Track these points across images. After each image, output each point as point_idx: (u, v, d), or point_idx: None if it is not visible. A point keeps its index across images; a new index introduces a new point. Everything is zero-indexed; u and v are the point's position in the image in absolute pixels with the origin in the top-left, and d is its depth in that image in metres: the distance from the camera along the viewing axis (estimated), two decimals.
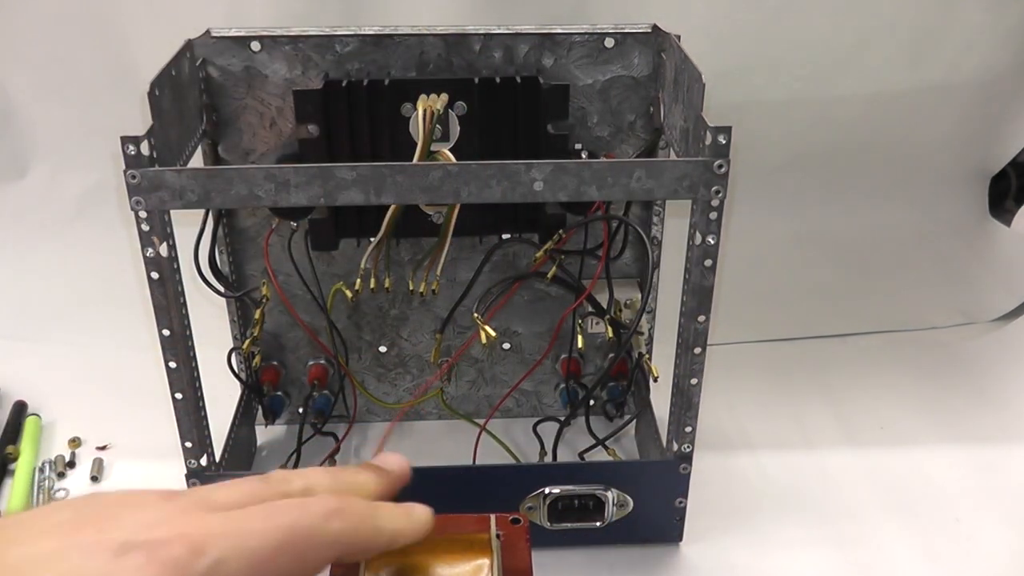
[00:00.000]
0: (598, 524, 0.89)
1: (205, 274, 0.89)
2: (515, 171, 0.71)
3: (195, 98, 0.86)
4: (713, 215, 0.73)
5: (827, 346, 1.26)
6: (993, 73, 1.27)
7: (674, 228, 0.98)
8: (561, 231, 0.92)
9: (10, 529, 0.43)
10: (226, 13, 1.15)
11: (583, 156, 0.93)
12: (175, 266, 0.76)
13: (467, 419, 1.07)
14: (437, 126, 0.84)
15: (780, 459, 1.04)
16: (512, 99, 0.87)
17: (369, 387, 1.07)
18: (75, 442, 1.06)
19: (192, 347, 0.81)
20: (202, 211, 0.90)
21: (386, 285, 0.99)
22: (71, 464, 1.03)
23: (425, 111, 0.83)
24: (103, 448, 1.06)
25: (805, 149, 1.31)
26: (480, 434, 1.02)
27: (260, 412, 1.04)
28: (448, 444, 1.06)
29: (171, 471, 0.95)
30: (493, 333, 0.87)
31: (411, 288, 1.00)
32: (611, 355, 1.05)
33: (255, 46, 0.88)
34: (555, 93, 0.88)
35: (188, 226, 0.86)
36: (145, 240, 0.73)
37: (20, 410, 1.10)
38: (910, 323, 1.30)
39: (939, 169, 1.37)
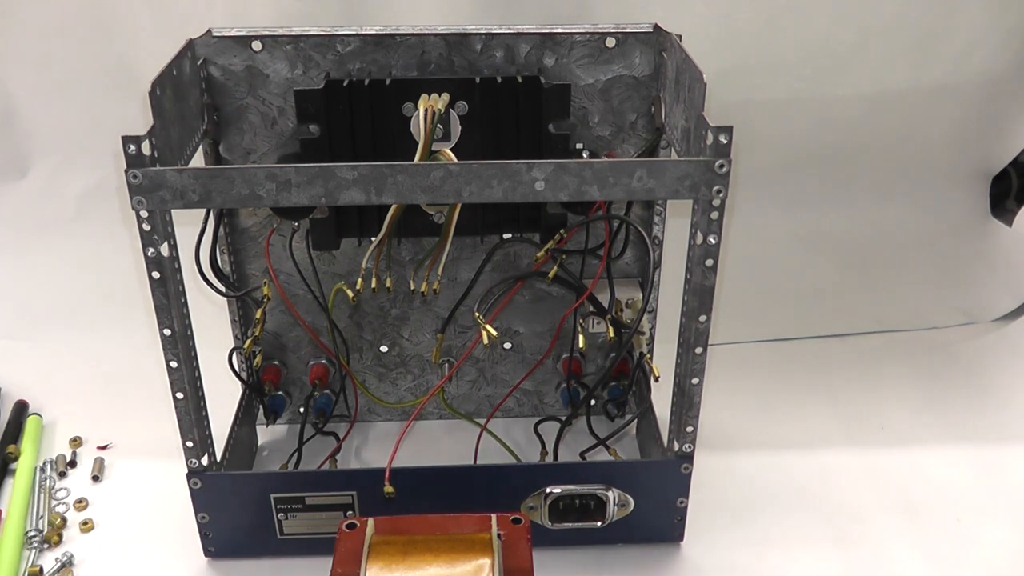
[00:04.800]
0: (599, 524, 0.89)
1: (206, 274, 0.89)
2: (516, 171, 0.71)
3: (196, 98, 0.86)
4: (714, 215, 0.73)
5: (828, 346, 1.26)
6: (994, 73, 1.27)
7: (675, 228, 0.98)
8: (562, 231, 0.92)
9: None
10: (227, 13, 1.15)
11: (584, 156, 0.93)
12: (176, 266, 0.76)
13: (468, 419, 1.07)
14: (438, 126, 0.84)
15: (781, 459, 1.04)
16: (513, 99, 0.87)
17: (370, 387, 1.07)
18: (76, 442, 1.06)
19: (193, 347, 0.81)
20: (203, 211, 0.90)
21: (387, 285, 0.99)
22: (72, 464, 1.03)
23: (426, 111, 0.83)
24: (104, 448, 1.06)
25: (806, 149, 1.31)
26: (481, 434, 1.02)
27: (261, 412, 1.04)
28: (449, 444, 1.06)
29: (172, 470, 0.95)
30: (494, 333, 0.87)
31: (412, 288, 1.00)
32: (612, 355, 1.06)
33: (256, 46, 0.88)
34: (556, 93, 0.88)
35: (189, 226, 0.86)
36: (146, 240, 0.73)
37: (21, 410, 1.10)
38: (911, 323, 1.30)
39: (940, 169, 1.37)
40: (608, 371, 1.03)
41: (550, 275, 0.94)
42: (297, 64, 0.89)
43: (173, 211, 0.74)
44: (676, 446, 0.86)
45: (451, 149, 0.84)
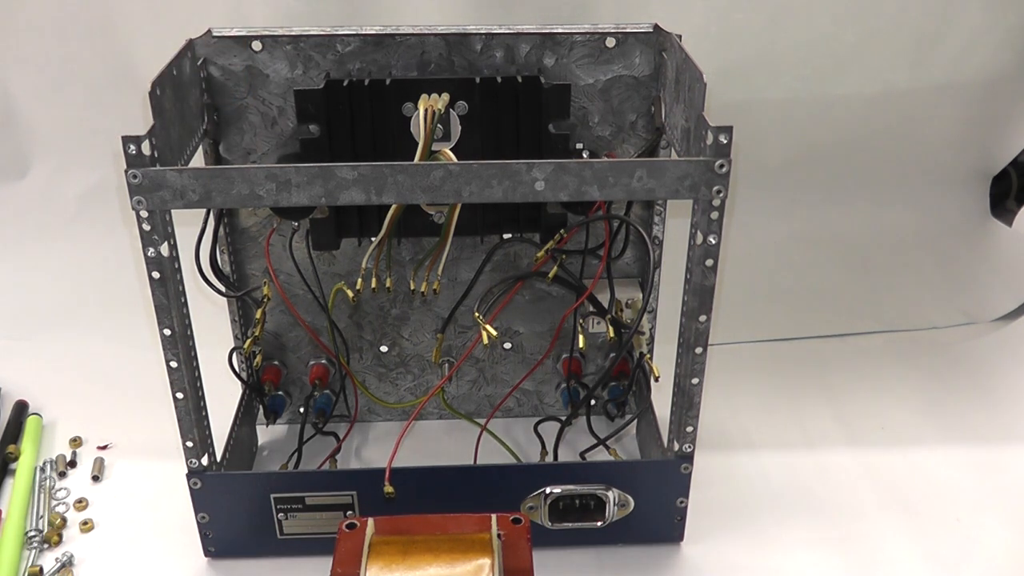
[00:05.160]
0: (599, 524, 0.89)
1: (206, 274, 0.89)
2: (516, 171, 0.71)
3: (196, 98, 0.86)
4: (714, 215, 0.73)
5: (827, 346, 1.26)
6: (994, 73, 1.27)
7: (675, 228, 0.98)
8: (562, 231, 0.92)
9: None
10: (227, 13, 1.15)
11: (584, 156, 0.93)
12: (176, 266, 0.76)
13: (468, 419, 1.07)
14: (438, 126, 0.84)
15: (781, 459, 1.04)
16: (513, 99, 0.87)
17: (370, 387, 1.07)
18: (76, 442, 1.06)
19: (193, 347, 0.81)
20: (203, 211, 0.90)
21: (387, 285, 0.99)
22: (72, 464, 1.03)
23: (426, 111, 0.83)
24: (104, 448, 1.06)
25: (806, 149, 1.31)
26: (481, 434, 1.02)
27: (261, 412, 1.04)
28: (449, 444, 1.06)
29: (172, 470, 0.95)
30: (494, 333, 0.87)
31: (412, 288, 1.00)
32: (612, 355, 1.06)
33: (256, 46, 0.88)
34: (556, 93, 0.88)
35: (189, 226, 0.86)
36: (146, 240, 0.73)
37: (21, 410, 1.10)
38: (910, 323, 1.30)
39: (940, 169, 1.37)
40: (608, 371, 1.03)
41: (550, 275, 0.94)
42: (297, 64, 0.89)
43: (173, 211, 0.74)
44: (676, 446, 0.86)
45: (451, 149, 0.84)
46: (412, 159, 0.82)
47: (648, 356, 1.00)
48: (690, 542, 0.92)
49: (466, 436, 1.04)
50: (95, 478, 1.01)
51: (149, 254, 0.73)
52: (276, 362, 1.04)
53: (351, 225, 0.93)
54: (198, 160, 0.85)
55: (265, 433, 1.07)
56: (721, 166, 0.71)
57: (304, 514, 0.88)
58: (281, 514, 0.88)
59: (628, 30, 0.89)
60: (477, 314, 0.89)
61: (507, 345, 1.06)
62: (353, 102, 0.86)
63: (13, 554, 0.89)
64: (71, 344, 1.24)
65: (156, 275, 0.74)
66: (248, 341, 0.96)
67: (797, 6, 1.19)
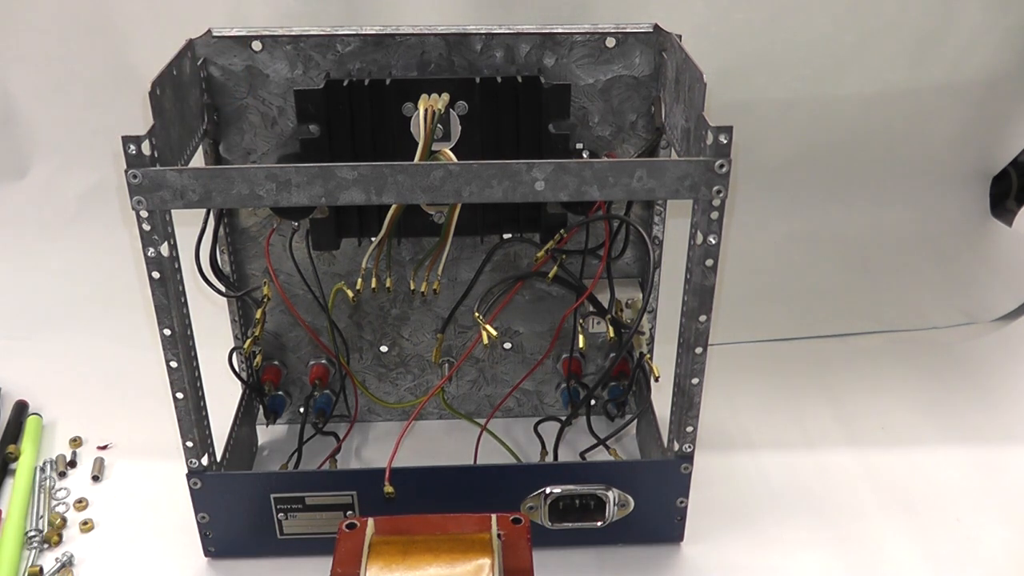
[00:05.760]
0: (599, 524, 0.89)
1: (206, 274, 0.89)
2: (516, 171, 0.71)
3: (196, 98, 0.86)
4: (714, 215, 0.73)
5: (827, 346, 1.26)
6: (994, 73, 1.27)
7: (675, 228, 0.98)
8: (562, 231, 0.92)
9: None
10: (227, 13, 1.15)
11: (584, 156, 0.93)
12: (176, 266, 0.76)
13: (468, 419, 1.07)
14: (438, 126, 0.84)
15: (781, 459, 1.04)
16: (513, 99, 0.87)
17: (370, 387, 1.07)
18: (76, 442, 1.06)
19: (193, 347, 0.81)
20: (203, 211, 0.90)
21: (387, 285, 0.99)
22: (72, 464, 1.03)
23: (426, 111, 0.83)
24: (104, 448, 1.06)
25: (806, 149, 1.31)
26: (481, 434, 1.02)
27: (261, 412, 1.04)
28: (449, 444, 1.06)
29: (172, 470, 0.95)
30: (494, 333, 0.87)
31: (412, 288, 1.00)
32: (612, 355, 1.06)
33: (256, 46, 0.88)
34: (556, 93, 0.88)
35: (189, 226, 0.86)
36: (146, 240, 0.73)
37: (21, 410, 1.10)
38: (910, 323, 1.30)
39: (940, 169, 1.37)
40: (608, 371, 1.03)
41: (550, 275, 0.94)
42: (297, 64, 0.89)
43: (173, 211, 0.74)
44: (676, 446, 0.86)
45: (451, 149, 0.83)
46: (412, 159, 0.82)
47: (648, 356, 1.00)
48: (690, 542, 0.92)
49: (466, 436, 1.04)
50: (95, 478, 1.01)
51: (149, 254, 0.73)
52: (276, 362, 1.04)
53: (351, 225, 0.93)
54: (198, 160, 0.85)
55: (265, 433, 1.07)
56: (721, 166, 0.71)
57: (304, 514, 0.88)
58: (281, 514, 0.88)
59: (628, 30, 0.89)
60: (477, 314, 0.89)
61: (507, 345, 1.06)
62: (353, 102, 0.86)
63: (13, 554, 0.89)
64: (71, 344, 1.24)
65: (156, 275, 0.74)
66: (248, 341, 0.96)
67: (797, 6, 1.19)
